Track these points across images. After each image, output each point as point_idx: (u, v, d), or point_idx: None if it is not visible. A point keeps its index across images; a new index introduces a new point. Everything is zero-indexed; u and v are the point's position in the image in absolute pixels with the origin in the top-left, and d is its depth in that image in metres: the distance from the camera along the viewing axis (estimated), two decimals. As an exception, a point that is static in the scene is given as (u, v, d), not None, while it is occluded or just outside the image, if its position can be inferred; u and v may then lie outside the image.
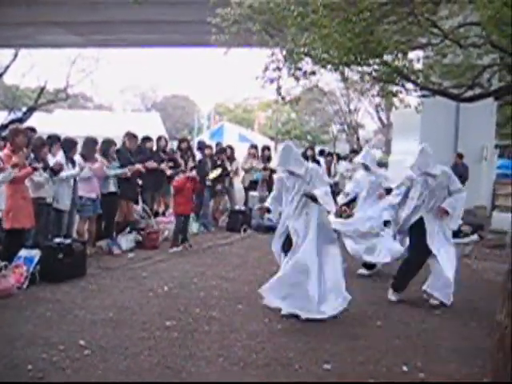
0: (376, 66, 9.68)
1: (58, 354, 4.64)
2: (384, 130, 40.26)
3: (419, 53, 10.20)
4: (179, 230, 9.50)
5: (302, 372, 4.48)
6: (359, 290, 7.05)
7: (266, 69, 10.42)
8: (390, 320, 5.96)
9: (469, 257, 9.85)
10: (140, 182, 10.15)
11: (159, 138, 11.66)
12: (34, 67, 23.65)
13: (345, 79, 11.94)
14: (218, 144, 13.92)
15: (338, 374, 4.45)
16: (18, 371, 4.30)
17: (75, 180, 8.28)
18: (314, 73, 10.30)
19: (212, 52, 20.33)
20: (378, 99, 14.10)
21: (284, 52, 9.94)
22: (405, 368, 4.59)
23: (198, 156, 12.16)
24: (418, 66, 9.84)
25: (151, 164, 10.23)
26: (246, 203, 13.02)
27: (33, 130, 9.05)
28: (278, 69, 10.25)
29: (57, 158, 7.91)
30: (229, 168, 12.54)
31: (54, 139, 8.30)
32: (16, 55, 22.28)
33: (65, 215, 8.11)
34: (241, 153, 13.82)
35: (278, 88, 10.72)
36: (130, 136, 9.88)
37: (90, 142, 8.84)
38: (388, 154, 29.40)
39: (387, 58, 9.29)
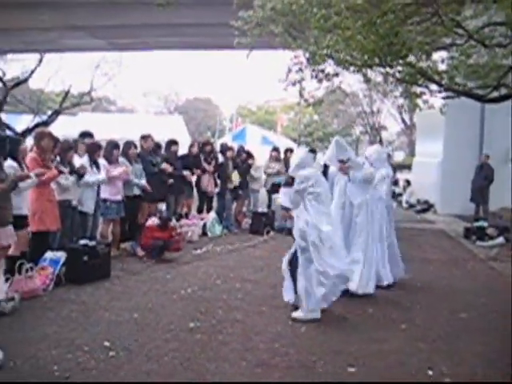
0: (399, 68, 9.62)
1: (83, 355, 4.68)
2: (407, 132, 40.00)
3: (443, 53, 10.13)
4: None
5: (326, 375, 4.45)
6: (382, 294, 7.01)
7: (289, 71, 10.45)
8: (414, 323, 5.90)
9: (494, 259, 9.72)
10: (171, 180, 10.23)
11: (192, 145, 11.73)
12: (59, 71, 23.87)
13: (368, 81, 11.90)
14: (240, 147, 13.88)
15: (362, 378, 4.42)
16: (43, 372, 4.35)
17: (99, 183, 8.35)
18: (336, 75, 10.30)
19: (234, 54, 20.38)
20: (401, 100, 14.00)
21: (307, 54, 9.94)
22: (430, 372, 4.54)
23: (221, 159, 12.18)
24: (443, 66, 9.76)
25: (166, 167, 10.22)
26: (269, 206, 13.01)
27: (90, 135, 9.13)
28: (301, 71, 10.28)
29: (81, 161, 7.99)
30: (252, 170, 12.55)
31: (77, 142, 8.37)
32: (41, 60, 22.54)
33: (89, 218, 8.19)
34: (264, 155, 13.77)
35: (301, 90, 10.75)
36: (145, 137, 9.93)
37: (111, 145, 8.89)
38: (411, 156, 29.19)
39: (411, 58, 9.24)
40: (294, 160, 6.39)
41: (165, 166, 10.10)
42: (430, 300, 6.87)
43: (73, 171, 7.62)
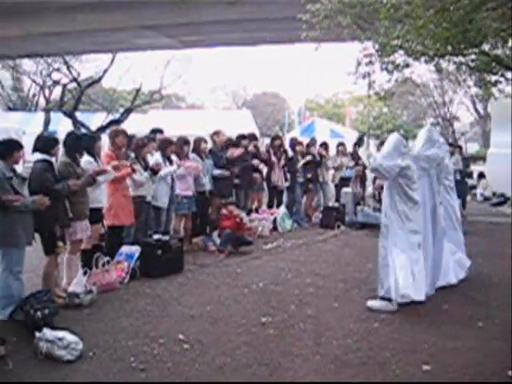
0: (473, 56, 9.33)
1: (158, 348, 4.80)
2: (481, 122, 38.72)
3: (521, 40, 9.74)
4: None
5: (400, 372, 4.37)
6: (458, 290, 6.82)
7: (359, 64, 10.32)
8: (492, 321, 5.69)
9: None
10: (236, 180, 10.24)
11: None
12: (130, 70, 24.53)
13: (440, 70, 11.60)
14: (311, 139, 13.62)
15: (437, 376, 4.32)
16: (121, 363, 4.49)
17: (173, 178, 8.50)
18: (407, 65, 10.09)
19: (301, 48, 20.27)
20: (474, 90, 13.56)
21: (376, 46, 9.79)
22: (510, 373, 4.37)
23: (290, 153, 12.15)
24: (520, 54, 9.39)
25: (237, 151, 10.17)
26: (337, 200, 12.88)
27: (160, 131, 9.41)
28: (371, 63, 10.12)
29: (155, 157, 8.17)
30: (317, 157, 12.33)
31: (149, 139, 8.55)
32: (113, 59, 23.20)
33: (163, 212, 8.35)
34: (333, 149, 13.60)
35: (371, 83, 10.60)
36: (217, 133, 10.03)
37: (181, 141, 9.02)
38: (486, 148, 28.23)
39: (485, 46, 8.94)
40: (385, 148, 6.17)
41: (232, 150, 10.07)
42: (508, 297, 6.62)
43: (147, 167, 7.80)
